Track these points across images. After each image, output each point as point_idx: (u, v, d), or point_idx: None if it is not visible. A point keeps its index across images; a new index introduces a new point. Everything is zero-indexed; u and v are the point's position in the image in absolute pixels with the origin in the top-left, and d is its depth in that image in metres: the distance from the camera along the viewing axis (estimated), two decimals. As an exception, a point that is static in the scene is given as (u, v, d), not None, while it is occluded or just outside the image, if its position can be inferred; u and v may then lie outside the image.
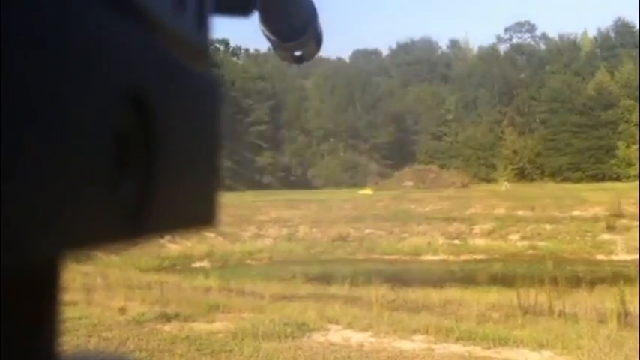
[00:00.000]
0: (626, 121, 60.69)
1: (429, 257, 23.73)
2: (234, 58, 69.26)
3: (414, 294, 10.32)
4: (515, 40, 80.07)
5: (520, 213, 28.13)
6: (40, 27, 0.19)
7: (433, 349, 6.14)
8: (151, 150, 0.25)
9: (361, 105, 66.26)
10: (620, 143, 59.87)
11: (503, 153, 65.13)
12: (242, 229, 26.01)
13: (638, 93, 54.63)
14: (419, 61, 77.60)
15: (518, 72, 71.90)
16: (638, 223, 21.47)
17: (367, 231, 26.55)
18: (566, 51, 72.15)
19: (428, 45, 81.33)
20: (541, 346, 6.17)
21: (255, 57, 68.26)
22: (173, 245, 22.53)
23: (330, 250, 24.96)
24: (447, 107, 70.28)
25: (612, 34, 72.51)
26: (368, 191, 44.22)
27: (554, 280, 9.11)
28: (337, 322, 7.18)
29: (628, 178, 54.97)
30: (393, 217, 28.17)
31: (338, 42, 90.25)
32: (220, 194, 0.34)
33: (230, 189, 49.71)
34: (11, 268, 0.18)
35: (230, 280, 11.29)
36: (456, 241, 25.07)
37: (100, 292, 9.03)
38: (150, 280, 11.23)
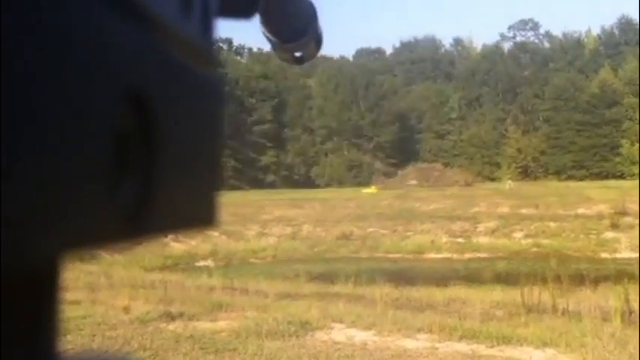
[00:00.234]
0: (630, 119, 60.52)
1: (433, 256, 23.71)
2: (238, 57, 69.35)
3: (418, 292, 10.31)
4: (519, 38, 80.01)
5: (524, 211, 28.11)
6: (40, 27, 0.19)
7: (437, 348, 6.13)
8: (152, 150, 0.26)
9: (365, 103, 66.21)
10: (624, 141, 59.74)
11: (507, 151, 65.08)
12: (246, 227, 26.04)
13: (639, 91, 54.51)
14: (422, 60, 77.51)
15: (522, 70, 71.79)
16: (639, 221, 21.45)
17: (371, 229, 26.56)
18: (570, 49, 72.04)
19: (431, 43, 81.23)
20: (545, 344, 6.16)
21: (259, 56, 68.25)
22: (177, 244, 22.57)
23: (334, 248, 24.96)
24: (450, 105, 70.21)
25: (616, 32, 72.36)
26: (371, 190, 44.25)
27: (558, 279, 9.10)
28: (341, 321, 7.18)
29: (632, 175, 54.81)
30: (397, 216, 28.17)
31: (341, 40, 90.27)
32: (223, 193, 0.34)
33: (234, 188, 49.77)
34: (11, 268, 0.18)
35: (234, 278, 11.29)
36: (460, 240, 25.05)
37: (103, 292, 9.04)
38: (154, 279, 11.25)
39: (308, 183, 61.78)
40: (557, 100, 63.37)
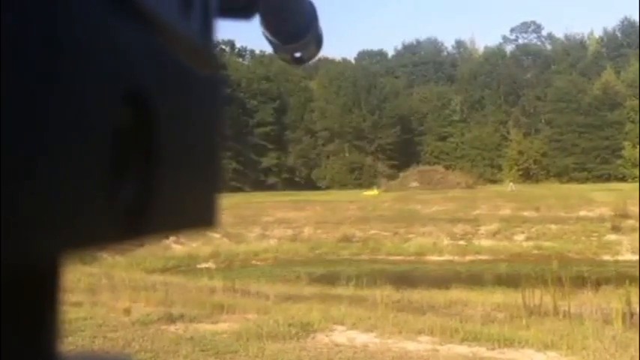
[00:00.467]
0: (633, 121, 60.45)
1: (435, 258, 23.69)
2: (240, 59, 69.41)
3: (419, 295, 10.31)
4: (521, 41, 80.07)
5: (526, 213, 28.07)
6: (39, 27, 0.19)
7: (438, 350, 6.13)
8: (152, 151, 0.26)
9: (366, 106, 66.20)
10: (626, 143, 59.71)
11: (508, 153, 65.07)
12: (247, 229, 26.05)
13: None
14: (424, 62, 77.54)
15: (524, 72, 71.81)
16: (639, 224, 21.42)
17: (372, 232, 26.54)
18: (572, 51, 72.04)
19: (433, 45, 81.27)
20: (546, 346, 6.15)
21: (261, 58, 68.30)
22: (178, 246, 22.57)
23: (335, 250, 24.95)
24: (452, 108, 70.21)
25: (619, 34, 72.37)
26: (373, 192, 44.24)
27: (560, 281, 9.09)
28: (342, 323, 7.18)
29: (634, 178, 54.75)
30: (398, 218, 28.15)
31: (343, 42, 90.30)
32: (224, 195, 0.35)
33: (235, 190, 49.79)
34: (12, 268, 0.18)
35: (235, 280, 11.29)
36: (462, 242, 25.02)
37: (104, 293, 9.05)
38: (155, 281, 11.25)
39: (309, 185, 61.77)
40: (559, 103, 63.35)
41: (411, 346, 6.29)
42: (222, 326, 7.01)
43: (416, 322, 7.12)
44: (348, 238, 25.99)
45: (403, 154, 64.48)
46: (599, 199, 30.15)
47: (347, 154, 66.22)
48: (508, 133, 66.74)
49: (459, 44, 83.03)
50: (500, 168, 65.41)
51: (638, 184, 41.72)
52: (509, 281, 14.62)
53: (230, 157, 53.61)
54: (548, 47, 77.39)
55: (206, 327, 6.97)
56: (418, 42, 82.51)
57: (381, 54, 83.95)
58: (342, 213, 30.05)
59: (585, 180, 57.99)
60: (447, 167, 56.32)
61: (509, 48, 78.12)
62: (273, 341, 6.24)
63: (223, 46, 64.09)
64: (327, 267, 20.96)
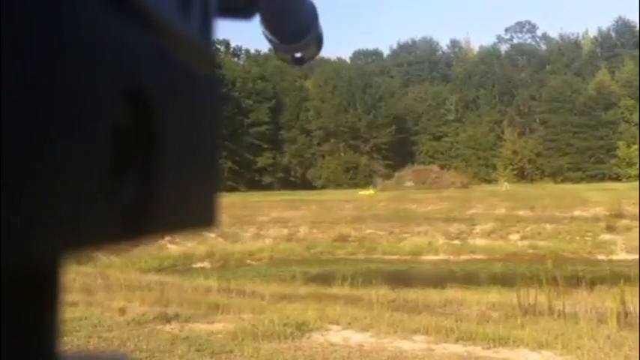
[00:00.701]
0: (627, 121, 60.71)
1: (430, 257, 23.71)
2: (235, 59, 69.31)
3: (415, 294, 10.32)
4: (515, 40, 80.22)
5: (520, 213, 28.13)
6: (39, 27, 0.19)
7: (433, 350, 6.13)
8: (151, 150, 0.26)
9: (362, 105, 66.21)
10: (620, 143, 59.92)
11: (503, 153, 65.20)
12: (242, 229, 26.02)
13: (638, 93, 54.61)
14: (420, 62, 77.61)
15: (519, 72, 71.95)
16: (638, 223, 21.45)
17: (368, 231, 26.55)
18: (567, 51, 72.22)
19: (429, 45, 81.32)
20: (541, 346, 6.17)
21: (256, 57, 68.27)
22: (173, 246, 22.55)
23: (331, 250, 24.95)
24: (447, 107, 70.30)
25: (613, 34, 72.55)
26: (368, 191, 44.27)
27: (554, 280, 9.10)
28: (337, 323, 7.18)
29: (628, 178, 54.98)
30: (394, 218, 28.17)
31: (339, 42, 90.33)
32: (221, 195, 0.34)
33: (230, 189, 49.75)
34: (12, 268, 0.18)
35: (230, 280, 11.28)
36: (457, 241, 25.05)
37: (100, 293, 9.03)
38: (150, 280, 11.23)
39: (305, 185, 61.76)
40: (553, 102, 63.49)
41: (406, 345, 6.30)
42: (217, 326, 7.01)
43: (411, 322, 7.13)
44: (344, 237, 25.99)
45: (398, 154, 64.50)
46: (594, 198, 30.24)
47: (342, 154, 66.22)
48: (503, 132, 66.86)
49: (454, 44, 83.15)
50: (494, 167, 65.51)
51: (632, 183, 41.88)
52: (504, 280, 14.65)
53: (225, 156, 53.56)
54: (543, 47, 77.54)
55: (201, 327, 6.96)
56: (413, 41, 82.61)
57: (377, 53, 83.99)
58: (337, 212, 30.06)
59: (580, 180, 58.14)
60: (441, 167, 56.35)
61: (504, 48, 78.35)
62: (268, 341, 6.25)
63: (218, 46, 63.90)
64: (322, 266, 20.96)
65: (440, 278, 16.54)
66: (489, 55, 74.63)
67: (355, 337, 6.60)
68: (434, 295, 10.14)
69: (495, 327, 6.99)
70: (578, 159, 61.37)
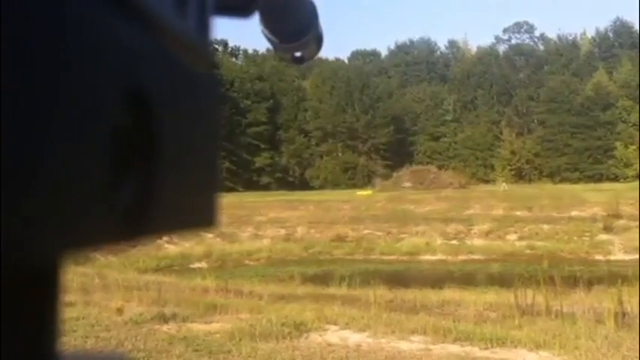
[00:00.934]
0: (625, 122, 60.78)
1: (427, 257, 23.71)
2: (233, 59, 69.27)
3: (412, 294, 10.31)
4: (513, 41, 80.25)
5: (518, 213, 28.14)
6: (39, 27, 0.19)
7: (431, 350, 6.13)
8: (151, 150, 0.26)
9: (360, 105, 66.20)
10: (618, 143, 59.97)
11: (501, 153, 65.22)
12: (240, 229, 26.00)
13: (636, 93, 54.71)
14: (417, 62, 77.62)
15: (517, 72, 72.00)
16: (636, 223, 21.48)
17: (365, 231, 26.55)
18: (564, 51, 72.28)
19: (427, 45, 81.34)
20: (538, 346, 6.17)
21: (254, 57, 68.24)
22: (171, 246, 22.52)
23: (328, 250, 24.94)
24: (445, 108, 70.31)
25: (611, 35, 72.62)
26: (366, 192, 44.28)
27: (552, 280, 9.11)
28: (335, 323, 7.18)
29: (626, 178, 55.08)
30: (392, 218, 28.17)
31: (337, 42, 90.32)
32: (220, 194, 0.34)
33: (228, 189, 49.71)
34: (12, 268, 0.18)
35: (228, 280, 11.27)
36: (454, 242, 25.05)
37: (97, 293, 9.02)
38: (147, 280, 11.22)
39: (303, 185, 61.74)
40: (551, 103, 63.54)
41: (404, 345, 6.30)
42: (215, 326, 7.00)
43: (409, 322, 7.13)
44: (342, 237, 25.98)
45: (396, 154, 64.51)
46: (592, 199, 30.26)
47: (340, 154, 66.21)
48: (501, 133, 66.88)
49: (452, 44, 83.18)
50: (492, 168, 65.54)
51: (630, 184, 41.91)
52: (501, 281, 14.66)
53: (223, 156, 53.26)
54: (541, 47, 77.58)
55: (199, 327, 6.96)
56: (411, 42, 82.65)
57: (374, 54, 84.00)
58: (335, 213, 30.05)
59: (577, 180, 58.19)
60: (439, 167, 56.35)
61: (502, 48, 78.39)
62: (266, 341, 6.24)
63: (216, 46, 63.89)
64: (320, 267, 20.96)
65: (437, 278, 16.54)
66: (487, 55, 74.66)
67: (353, 337, 6.60)
68: (431, 296, 10.14)
69: (493, 327, 6.99)
70: (576, 159, 61.41)
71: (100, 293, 9.03)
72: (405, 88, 73.45)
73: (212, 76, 0.34)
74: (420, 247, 24.48)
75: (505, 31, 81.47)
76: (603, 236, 23.83)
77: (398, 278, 16.23)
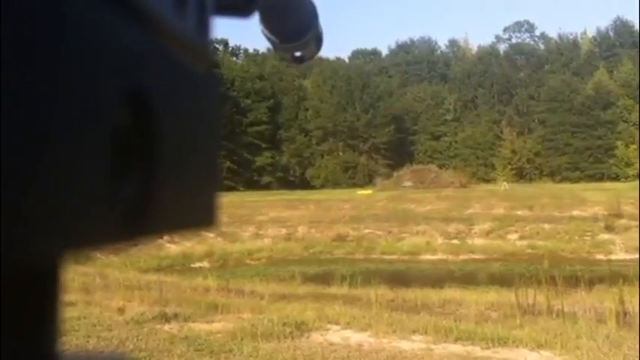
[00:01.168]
0: (625, 121, 60.74)
1: (428, 257, 23.71)
2: (234, 58, 69.27)
3: (413, 294, 10.31)
4: (514, 40, 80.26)
5: (519, 213, 28.13)
6: (38, 27, 0.19)
7: (432, 349, 6.14)
8: (151, 150, 0.26)
9: (360, 105, 66.20)
10: (619, 143, 59.95)
11: (502, 153, 65.22)
12: (241, 229, 26.00)
13: (637, 92, 54.66)
14: (418, 61, 77.62)
15: (518, 72, 71.97)
16: (636, 222, 21.47)
17: (366, 231, 26.55)
18: (565, 51, 72.26)
19: (427, 45, 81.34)
20: (540, 346, 6.17)
21: (255, 57, 68.24)
22: (172, 245, 22.53)
23: (329, 249, 24.94)
24: (446, 107, 70.31)
25: (611, 34, 72.58)
26: (367, 191, 44.26)
27: (553, 280, 9.11)
28: (336, 322, 7.18)
29: (627, 177, 55.06)
30: (392, 217, 28.17)
31: (337, 42, 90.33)
32: (220, 194, 0.34)
33: (229, 189, 49.72)
34: (12, 268, 0.18)
35: (229, 280, 11.28)
36: (455, 241, 25.05)
37: (98, 293, 9.02)
38: (149, 280, 11.22)
39: (303, 184, 61.73)
40: (552, 102, 63.52)
41: (405, 345, 6.30)
42: (216, 326, 7.01)
43: (410, 322, 7.13)
44: (342, 237, 25.98)
45: (397, 153, 64.51)
46: (592, 198, 30.25)
47: (341, 153, 66.20)
48: (501, 132, 66.86)
49: (453, 43, 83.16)
50: (493, 167, 65.55)
51: (631, 183, 41.90)
52: (502, 280, 14.64)
53: (224, 156, 53.52)
54: (542, 47, 77.56)
55: (200, 326, 6.96)
56: (412, 41, 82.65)
57: (375, 53, 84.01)
58: (336, 212, 30.05)
59: (578, 179, 58.18)
60: (440, 166, 56.34)
61: (502, 47, 78.37)
62: (267, 340, 6.25)
63: (217, 45, 63.91)
64: (321, 266, 20.95)
65: (438, 278, 16.53)
66: (488, 54, 74.64)
67: (354, 337, 6.60)
68: (432, 295, 10.13)
69: (494, 327, 6.99)
70: (577, 159, 61.40)
71: (102, 293, 9.04)
72: (406, 87, 73.45)
73: (212, 76, 0.34)
74: (420, 247, 24.48)
75: (506, 30, 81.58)
76: (604, 236, 23.82)
77: (399, 278, 16.23)
